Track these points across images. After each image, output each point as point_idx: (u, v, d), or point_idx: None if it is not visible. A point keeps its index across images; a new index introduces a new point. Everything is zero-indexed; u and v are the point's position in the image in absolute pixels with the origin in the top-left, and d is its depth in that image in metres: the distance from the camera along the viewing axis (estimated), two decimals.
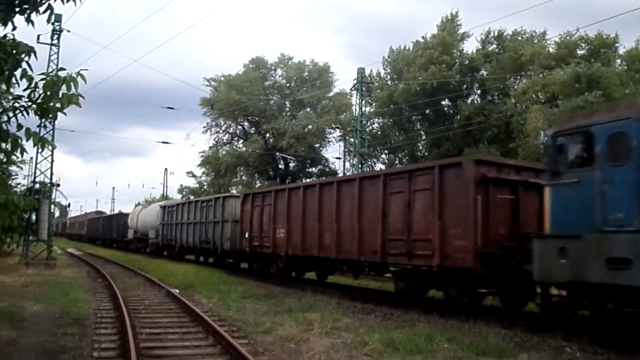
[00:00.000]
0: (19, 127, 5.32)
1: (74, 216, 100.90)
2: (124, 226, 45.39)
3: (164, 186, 74.77)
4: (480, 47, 41.27)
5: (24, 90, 5.39)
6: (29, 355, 8.30)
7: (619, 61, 32.64)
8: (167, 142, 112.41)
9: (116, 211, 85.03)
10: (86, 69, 5.30)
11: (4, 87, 7.34)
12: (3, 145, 5.44)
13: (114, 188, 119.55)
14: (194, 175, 60.67)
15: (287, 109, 55.00)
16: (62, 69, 5.39)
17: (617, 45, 32.68)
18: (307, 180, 48.24)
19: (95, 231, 61.93)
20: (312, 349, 8.67)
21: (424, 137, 43.51)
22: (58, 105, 5.26)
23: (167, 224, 33.90)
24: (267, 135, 53.12)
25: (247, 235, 22.33)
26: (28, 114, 5.39)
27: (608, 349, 8.98)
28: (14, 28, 5.61)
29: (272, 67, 55.50)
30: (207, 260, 28.99)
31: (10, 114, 5.36)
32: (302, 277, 21.06)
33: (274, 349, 8.92)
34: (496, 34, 40.43)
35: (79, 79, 5.27)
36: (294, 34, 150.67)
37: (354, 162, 39.60)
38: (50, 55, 27.64)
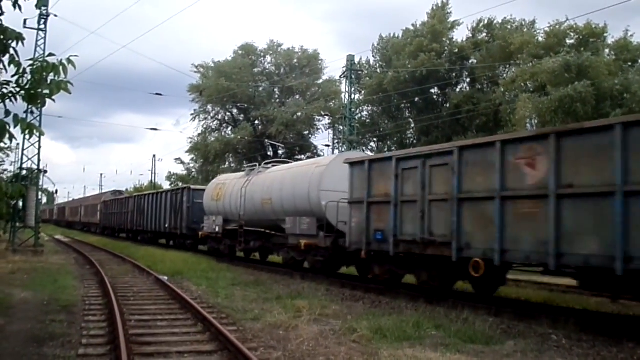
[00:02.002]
0: (7, 113, 5.28)
1: (78, 199, 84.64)
2: (193, 211, 27.79)
3: (152, 173, 74.26)
4: (470, 35, 41.35)
5: (12, 76, 5.35)
6: (17, 342, 8.27)
7: (607, 51, 32.76)
8: (155, 129, 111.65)
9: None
10: (76, 55, 5.27)
11: None
12: None
13: (101, 174, 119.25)
14: (182, 162, 60.55)
15: (276, 96, 54.88)
16: (51, 54, 5.35)
17: (605, 35, 32.85)
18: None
19: (119, 219, 43.37)
20: (300, 336, 8.71)
21: (413, 125, 43.58)
22: (47, 91, 5.23)
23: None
24: (256, 122, 53.01)
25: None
26: (16, 100, 5.35)
27: (594, 336, 9.10)
28: (2, 13, 5.56)
29: (262, 54, 55.34)
30: None
31: None
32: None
33: (263, 335, 8.96)
34: (486, 22, 40.51)
35: (68, 65, 5.23)
36: (283, 19, 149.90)
37: (343, 149, 39.55)
38: (37, 40, 27.33)
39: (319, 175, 17.18)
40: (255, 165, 23.04)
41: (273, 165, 22.05)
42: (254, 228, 21.14)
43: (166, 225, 31.02)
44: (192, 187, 29.34)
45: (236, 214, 22.12)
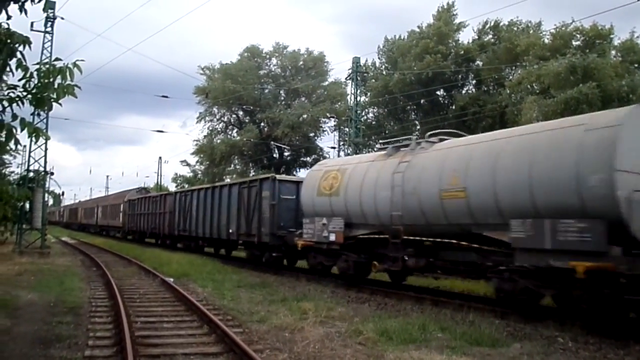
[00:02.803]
0: (14, 117, 5.31)
1: (94, 198, 74.68)
2: (279, 211, 20.01)
3: (158, 175, 74.46)
4: (476, 37, 41.30)
5: (19, 80, 5.37)
6: (24, 343, 8.31)
7: (613, 52, 32.66)
8: (161, 131, 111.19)
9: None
10: (82, 60, 5.29)
11: None
12: None
13: (107, 176, 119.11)
14: (188, 164, 60.69)
15: (282, 98, 54.93)
16: (57, 59, 5.36)
17: (612, 36, 32.73)
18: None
19: (151, 221, 35.51)
20: (306, 338, 8.72)
21: (418, 127, 43.50)
22: (54, 95, 5.25)
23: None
24: (262, 124, 53.04)
25: None
26: (23, 104, 5.37)
27: (600, 338, 9.07)
28: (9, 17, 5.58)
29: (267, 56, 55.41)
30: None
31: (6, 104, 5.34)
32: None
33: (269, 337, 8.97)
34: (492, 24, 40.45)
35: (74, 69, 5.25)
36: (289, 21, 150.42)
37: (349, 151, 39.53)
38: (44, 43, 27.47)
39: (606, 142, 9.35)
40: (410, 139, 15.09)
41: (441, 140, 14.14)
42: (414, 237, 13.51)
43: (231, 231, 22.88)
44: (278, 177, 20.84)
45: (373, 215, 14.57)
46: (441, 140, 13.95)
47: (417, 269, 14.14)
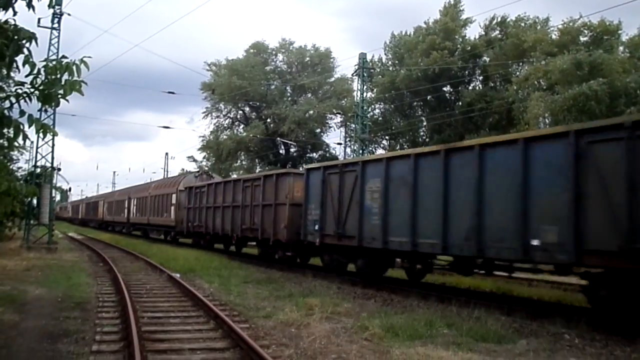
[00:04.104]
0: (22, 113, 5.34)
1: (123, 189, 53.89)
2: None
3: (164, 171, 74.45)
4: (483, 33, 41.18)
5: (26, 76, 5.39)
6: (31, 338, 8.35)
7: (621, 48, 32.51)
8: (168, 127, 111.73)
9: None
10: (89, 56, 5.30)
11: (4, 72, 7.31)
12: (5, 131, 5.44)
13: (114, 172, 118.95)
14: (194, 160, 60.80)
15: (288, 94, 54.95)
16: (64, 56, 5.38)
17: (620, 32, 32.61)
18: None
19: (232, 219, 23.37)
20: (312, 334, 8.73)
21: (425, 123, 43.47)
22: (61, 92, 5.27)
23: None
24: (268, 120, 53.12)
25: None
26: (31, 100, 5.39)
27: (606, 335, 9.05)
28: (15, 13, 5.60)
29: (273, 52, 55.51)
30: None
31: (13, 100, 5.37)
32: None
33: (275, 333, 8.99)
34: (499, 20, 40.32)
35: (81, 66, 5.27)
36: (296, 17, 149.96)
37: (355, 147, 39.54)
38: (50, 39, 27.51)
39: None
40: None
41: None
42: None
43: None
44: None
45: None
46: None
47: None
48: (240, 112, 57.10)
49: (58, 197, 76.04)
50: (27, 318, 9.87)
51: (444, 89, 41.52)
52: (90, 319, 9.98)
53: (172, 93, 48.96)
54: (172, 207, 32.73)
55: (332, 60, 54.43)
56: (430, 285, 15.37)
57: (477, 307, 11.08)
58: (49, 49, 26.81)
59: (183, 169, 69.17)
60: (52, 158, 28.58)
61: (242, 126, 56.59)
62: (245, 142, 52.02)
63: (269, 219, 20.09)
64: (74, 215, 77.97)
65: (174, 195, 32.94)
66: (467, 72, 40.53)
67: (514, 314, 10.74)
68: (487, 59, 40.02)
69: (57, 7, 26.34)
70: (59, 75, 5.26)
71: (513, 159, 10.71)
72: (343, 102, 50.90)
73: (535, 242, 10.14)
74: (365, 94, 39.44)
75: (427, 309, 11.54)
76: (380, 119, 46.45)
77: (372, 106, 45.47)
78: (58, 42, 27.61)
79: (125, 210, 44.07)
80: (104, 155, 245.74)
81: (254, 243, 23.43)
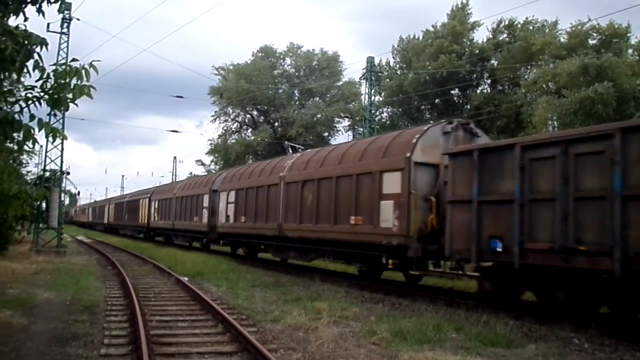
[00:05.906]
0: (32, 117, 5.38)
1: (164, 184, 49.44)
2: None
3: (173, 174, 74.63)
4: (491, 36, 41.08)
5: (36, 81, 5.44)
6: (40, 341, 8.38)
7: (630, 51, 32.34)
8: (176, 131, 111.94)
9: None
10: (98, 60, 5.34)
11: (14, 76, 7.38)
12: (15, 135, 5.49)
13: (123, 176, 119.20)
14: (202, 164, 60.93)
15: (296, 98, 55.03)
16: (74, 59, 5.42)
17: (629, 35, 32.45)
18: None
19: None
20: (320, 338, 8.73)
21: None
22: (70, 96, 5.31)
23: None
24: (276, 124, 53.16)
25: None
26: (40, 104, 5.43)
27: (616, 340, 8.99)
28: (26, 19, 5.65)
29: (281, 56, 55.59)
30: None
31: (23, 105, 5.41)
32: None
33: (283, 337, 8.99)
34: (507, 23, 40.22)
35: (90, 70, 5.30)
36: (305, 20, 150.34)
37: None
38: (60, 44, 27.73)
39: None
40: None
41: None
42: None
43: None
44: None
45: None
46: None
47: None
48: (248, 115, 57.23)
49: (67, 201, 76.20)
50: (36, 321, 9.91)
51: (452, 92, 41.42)
52: (99, 322, 10.01)
53: (181, 97, 49.37)
54: (204, 210, 27.91)
55: (339, 63, 54.56)
56: (438, 289, 15.32)
57: (485, 311, 11.04)
58: (58, 54, 27.05)
59: (191, 173, 69.34)
60: (61, 162, 28.78)
61: (250, 130, 56.76)
62: (253, 146, 52.09)
63: None
64: (90, 219, 69.45)
65: (205, 197, 27.95)
66: (475, 75, 40.45)
67: (523, 318, 10.68)
68: (495, 62, 39.92)
69: (66, 12, 26.53)
70: (68, 80, 5.29)
71: None
72: (351, 105, 50.88)
73: None
74: (373, 98, 39.39)
75: (436, 313, 11.50)
76: (388, 122, 46.35)
77: (380, 110, 45.44)
78: (67, 46, 27.85)
79: (173, 213, 33.54)
80: (113, 159, 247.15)
81: None
